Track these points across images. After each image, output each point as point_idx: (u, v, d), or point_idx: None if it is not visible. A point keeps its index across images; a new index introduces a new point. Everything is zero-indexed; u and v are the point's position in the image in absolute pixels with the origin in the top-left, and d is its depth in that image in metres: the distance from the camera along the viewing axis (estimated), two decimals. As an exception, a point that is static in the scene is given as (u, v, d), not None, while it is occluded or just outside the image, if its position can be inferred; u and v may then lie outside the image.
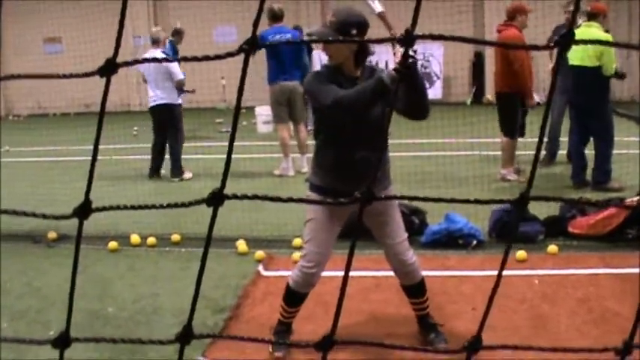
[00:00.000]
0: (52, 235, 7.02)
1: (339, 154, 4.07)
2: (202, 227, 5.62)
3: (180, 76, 10.36)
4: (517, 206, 0.77)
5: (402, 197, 0.84)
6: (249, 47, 0.67)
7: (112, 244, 6.78)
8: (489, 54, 19.60)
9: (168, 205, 0.88)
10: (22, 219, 7.32)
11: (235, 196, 0.77)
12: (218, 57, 0.71)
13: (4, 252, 6.54)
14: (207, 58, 0.71)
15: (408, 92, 3.86)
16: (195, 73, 14.20)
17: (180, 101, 10.61)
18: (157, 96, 10.25)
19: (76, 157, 11.55)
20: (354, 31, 3.95)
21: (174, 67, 10.34)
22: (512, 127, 8.89)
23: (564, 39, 0.66)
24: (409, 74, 3.76)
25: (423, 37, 0.74)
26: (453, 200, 0.78)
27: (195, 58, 0.76)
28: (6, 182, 8.97)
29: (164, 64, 10.25)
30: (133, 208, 0.84)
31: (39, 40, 21.56)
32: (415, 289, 4.41)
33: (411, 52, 3.72)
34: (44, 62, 18.74)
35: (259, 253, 6.31)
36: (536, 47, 0.76)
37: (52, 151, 11.91)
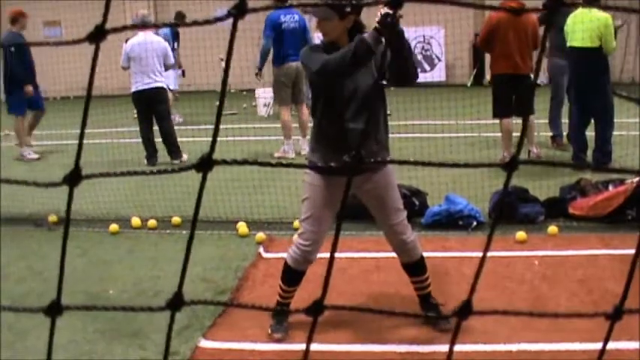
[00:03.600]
0: (52, 218, 7.02)
1: (334, 126, 4.11)
2: (203, 209, 5.56)
3: (173, 59, 10.50)
4: (508, 170, 0.77)
5: (392, 161, 0.83)
6: (238, 12, 0.66)
7: (113, 227, 6.79)
8: (490, 36, 19.49)
9: (159, 172, 0.88)
10: (23, 203, 7.33)
11: (224, 161, 0.77)
12: (207, 22, 0.71)
13: (5, 236, 6.55)
14: (196, 23, 0.71)
15: (392, 56, 3.90)
16: (194, 55, 14.15)
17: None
18: (151, 79, 10.17)
19: (75, 141, 11.46)
20: (348, 8, 3.98)
21: (169, 50, 10.46)
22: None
23: (554, 1, 0.65)
24: (391, 33, 3.79)
25: (412, -1, 0.73)
26: (442, 165, 0.78)
27: (185, 24, 0.75)
28: (5, 166, 8.97)
29: (162, 46, 10.28)
30: (122, 174, 0.84)
31: (38, 24, 21.44)
32: (415, 267, 4.43)
33: (388, 11, 3.72)
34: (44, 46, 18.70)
35: (260, 235, 6.32)
36: (525, 10, 0.75)
37: (51, 135, 11.89)
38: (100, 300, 5.18)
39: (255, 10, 0.70)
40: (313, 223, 4.21)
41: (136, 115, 10.80)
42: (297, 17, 10.01)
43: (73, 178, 0.73)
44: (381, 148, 4.20)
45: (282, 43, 9.93)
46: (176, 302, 0.81)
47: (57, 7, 20.17)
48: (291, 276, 4.38)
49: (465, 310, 0.73)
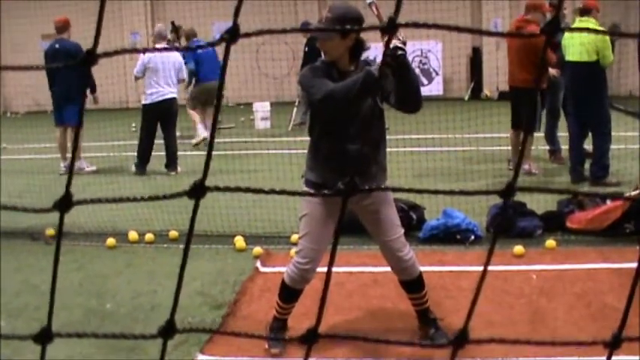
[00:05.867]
0: (50, 232, 6.99)
1: (333, 147, 4.08)
2: (200, 224, 5.57)
3: (186, 74, 10.79)
4: (504, 197, 0.76)
5: (385, 189, 0.82)
6: (231, 37, 0.66)
7: (110, 241, 6.76)
8: (487, 50, 19.57)
9: (150, 198, 0.87)
10: (20, 217, 7.31)
11: (217, 188, 0.76)
12: (199, 47, 0.70)
13: (2, 249, 6.52)
14: (188, 48, 0.70)
15: (399, 85, 3.87)
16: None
17: None
18: (166, 90, 10.35)
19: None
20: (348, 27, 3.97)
21: (184, 64, 10.77)
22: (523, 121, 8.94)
23: (550, 27, 0.65)
24: (398, 66, 3.77)
25: (407, 25, 0.73)
26: (437, 192, 0.78)
27: (177, 48, 0.75)
28: (2, 179, 8.96)
29: (178, 60, 10.49)
30: (114, 201, 0.83)
31: (36, 37, 21.48)
32: (413, 285, 4.40)
33: (400, 45, 3.73)
34: (41, 59, 18.71)
35: (257, 250, 6.31)
36: (521, 35, 0.75)
37: (49, 148, 11.88)
38: (97, 314, 5.15)
39: (247, 35, 0.70)
40: (311, 240, 4.16)
41: (134, 128, 10.84)
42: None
43: (64, 204, 0.73)
44: (380, 169, 4.18)
45: (201, 67, 11.83)
46: (168, 330, 0.80)
47: (55, 21, 20.20)
48: (289, 293, 4.35)
49: (462, 338, 0.72)
